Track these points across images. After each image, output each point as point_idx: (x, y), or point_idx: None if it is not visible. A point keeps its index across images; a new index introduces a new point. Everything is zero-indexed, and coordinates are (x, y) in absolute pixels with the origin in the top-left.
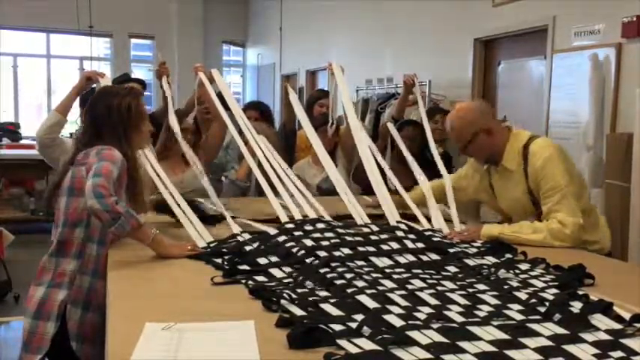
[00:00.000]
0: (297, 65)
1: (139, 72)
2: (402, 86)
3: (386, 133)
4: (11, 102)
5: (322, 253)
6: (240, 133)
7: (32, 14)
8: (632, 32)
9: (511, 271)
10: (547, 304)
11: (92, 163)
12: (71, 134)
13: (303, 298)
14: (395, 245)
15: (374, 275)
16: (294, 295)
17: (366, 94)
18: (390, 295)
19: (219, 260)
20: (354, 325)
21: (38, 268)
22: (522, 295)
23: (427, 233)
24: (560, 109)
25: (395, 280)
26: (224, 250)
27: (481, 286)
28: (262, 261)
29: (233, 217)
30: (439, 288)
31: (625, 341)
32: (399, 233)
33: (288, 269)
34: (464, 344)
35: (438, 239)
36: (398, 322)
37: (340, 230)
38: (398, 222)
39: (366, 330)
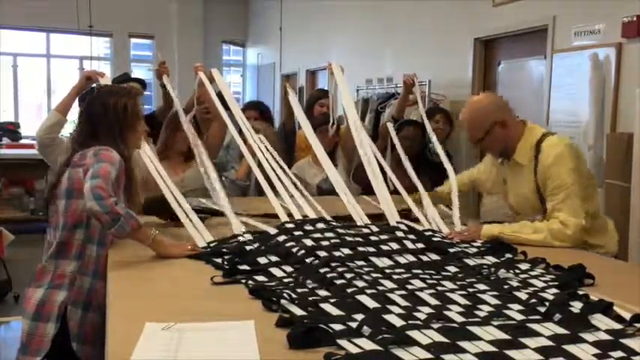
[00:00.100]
0: (297, 65)
1: (139, 72)
2: (402, 86)
3: (386, 133)
4: (11, 102)
5: (322, 253)
6: (240, 132)
7: (32, 14)
8: (632, 32)
9: (511, 271)
10: (547, 304)
11: (90, 164)
12: (71, 134)
13: (303, 298)
14: (395, 245)
15: (374, 275)
16: (294, 295)
17: (366, 94)
18: (390, 295)
19: (219, 260)
20: (354, 324)
21: (37, 270)
22: (522, 295)
23: (427, 233)
24: (560, 108)
25: (395, 281)
26: (224, 249)
27: (481, 286)
28: (262, 260)
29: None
30: (439, 288)
31: (625, 341)
32: (399, 234)
33: (288, 269)
34: (464, 344)
35: (438, 239)
36: (398, 322)
37: (340, 230)
38: (398, 222)
39: (366, 330)
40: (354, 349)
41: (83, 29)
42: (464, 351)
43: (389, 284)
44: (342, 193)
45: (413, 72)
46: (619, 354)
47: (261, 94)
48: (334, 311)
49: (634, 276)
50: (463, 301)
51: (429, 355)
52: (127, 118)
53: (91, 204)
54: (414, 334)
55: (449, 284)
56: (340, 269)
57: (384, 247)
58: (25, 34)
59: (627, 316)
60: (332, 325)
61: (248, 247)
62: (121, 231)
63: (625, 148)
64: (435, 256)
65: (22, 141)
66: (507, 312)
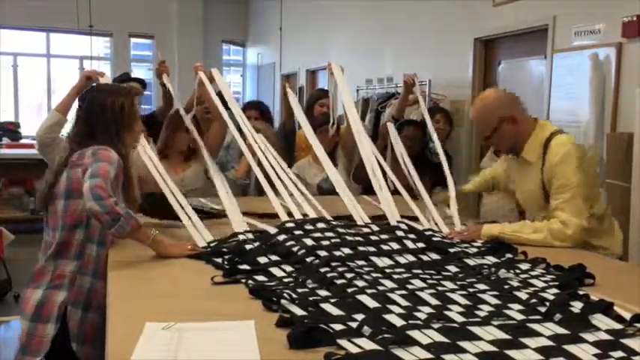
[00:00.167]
0: (297, 65)
1: (139, 71)
2: (402, 86)
3: (386, 133)
4: (11, 101)
5: (322, 253)
6: (240, 132)
7: (32, 14)
8: (632, 32)
9: (511, 271)
10: (547, 304)
11: (88, 164)
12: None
13: (304, 298)
14: (395, 245)
15: (374, 275)
16: (294, 295)
17: (366, 94)
18: (390, 295)
19: (219, 260)
20: (354, 324)
21: (35, 270)
22: (523, 295)
23: (427, 233)
24: (561, 108)
25: (395, 280)
26: (224, 249)
27: (481, 286)
28: (262, 260)
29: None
30: (439, 288)
31: (625, 341)
32: (399, 233)
33: (288, 268)
34: (464, 344)
35: (439, 239)
36: (398, 322)
37: (340, 230)
38: (398, 222)
39: (366, 330)
40: (354, 349)
41: (83, 29)
42: (464, 351)
43: (389, 284)
44: (342, 192)
45: (413, 72)
46: (619, 354)
47: (261, 93)
48: (334, 311)
49: (634, 276)
50: (463, 301)
51: (430, 355)
52: (124, 118)
53: (90, 204)
54: (415, 334)
55: (449, 284)
56: (340, 269)
57: (385, 247)
58: (25, 33)
59: (627, 316)
60: (332, 325)
61: (248, 246)
62: (121, 231)
63: (625, 148)
64: (435, 256)
65: (22, 141)
66: (508, 312)
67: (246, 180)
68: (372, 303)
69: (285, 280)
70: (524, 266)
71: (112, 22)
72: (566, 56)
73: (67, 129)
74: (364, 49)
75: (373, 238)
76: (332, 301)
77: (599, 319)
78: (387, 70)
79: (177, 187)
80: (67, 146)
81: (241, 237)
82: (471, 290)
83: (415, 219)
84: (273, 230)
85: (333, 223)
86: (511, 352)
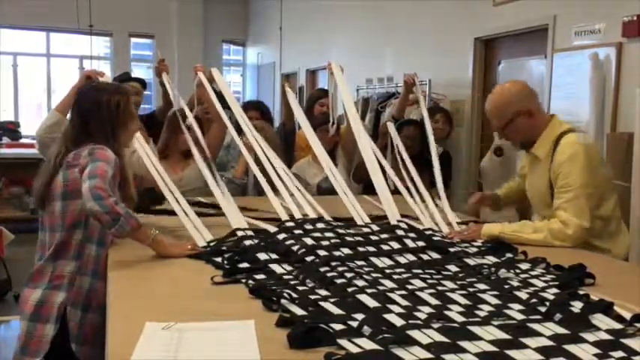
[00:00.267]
0: (298, 64)
1: (139, 71)
2: (403, 85)
3: (386, 133)
4: (11, 101)
5: (322, 253)
6: (240, 132)
7: (32, 13)
8: (632, 32)
9: (511, 271)
10: (548, 303)
11: (84, 163)
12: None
13: (304, 297)
14: (395, 245)
15: (374, 275)
16: (294, 295)
17: (366, 94)
18: (390, 294)
19: (219, 259)
20: (354, 324)
21: (33, 270)
22: (523, 294)
23: (427, 233)
24: (561, 108)
25: (395, 280)
26: (224, 248)
27: (481, 286)
28: (262, 256)
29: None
30: (439, 288)
31: (626, 341)
32: (399, 232)
33: (288, 266)
34: (464, 344)
35: (439, 239)
36: (398, 322)
37: (340, 230)
38: (399, 221)
39: (366, 329)
40: (354, 349)
41: (83, 29)
42: (464, 351)
43: (389, 284)
44: (341, 192)
45: (413, 71)
46: (619, 354)
47: (261, 93)
48: (335, 310)
49: (634, 276)
50: (463, 300)
51: (430, 355)
52: (120, 116)
53: (90, 204)
54: (415, 333)
55: (449, 284)
56: (340, 268)
57: (385, 247)
58: (25, 33)
59: (628, 315)
60: (332, 325)
61: (248, 242)
62: (121, 231)
63: (625, 148)
64: (435, 256)
65: (22, 140)
66: (508, 312)
67: (244, 179)
68: (372, 303)
69: (285, 277)
70: (525, 266)
71: (112, 21)
72: (566, 56)
73: None
74: (364, 49)
75: (373, 238)
76: (332, 300)
77: (600, 319)
78: (387, 69)
79: (176, 186)
80: (61, 144)
81: (240, 233)
82: (471, 290)
83: (415, 218)
84: (272, 229)
85: (333, 223)
86: (511, 352)
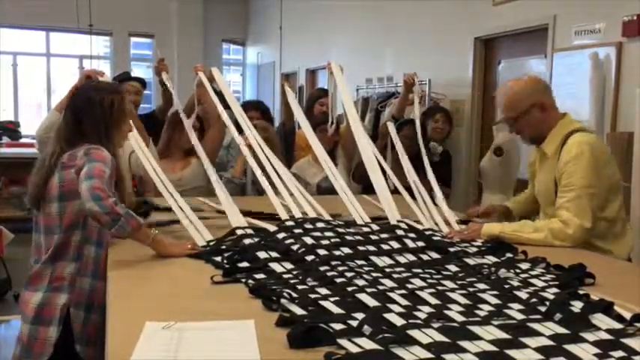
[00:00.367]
0: (297, 64)
1: (139, 70)
2: (402, 85)
3: (386, 132)
4: (11, 100)
5: (322, 252)
6: (240, 132)
7: (32, 13)
8: (632, 31)
9: (511, 271)
10: (548, 303)
11: (81, 164)
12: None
13: (304, 296)
14: (395, 244)
15: (374, 274)
16: (294, 294)
17: (366, 93)
18: (390, 294)
19: (219, 259)
20: (354, 323)
21: (31, 273)
22: (523, 294)
23: (427, 232)
24: (561, 108)
25: (395, 280)
26: (223, 247)
27: (481, 286)
28: (262, 255)
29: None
30: (439, 287)
31: (626, 341)
32: (399, 232)
33: (288, 265)
34: (464, 344)
35: (439, 238)
36: (398, 321)
37: (340, 230)
38: (399, 221)
39: (366, 329)
40: (354, 349)
41: (83, 28)
42: (464, 350)
43: (389, 283)
44: (341, 192)
45: (413, 71)
46: (620, 353)
47: (261, 93)
48: (335, 309)
49: (634, 276)
50: (463, 300)
51: (430, 355)
52: (113, 115)
53: (90, 205)
54: (415, 333)
55: (449, 284)
56: (340, 268)
57: (384, 246)
58: (25, 32)
59: (628, 315)
60: (332, 325)
61: (247, 241)
62: (122, 231)
63: (625, 148)
64: (435, 255)
65: (22, 140)
66: (508, 311)
67: (242, 179)
68: (372, 302)
69: (285, 276)
70: (525, 266)
71: (112, 21)
72: (566, 55)
73: None
74: (364, 49)
75: (373, 237)
76: (332, 299)
77: (600, 319)
78: (387, 69)
79: (175, 186)
80: (55, 144)
81: (240, 232)
82: (471, 290)
83: (416, 221)
84: (272, 228)
85: (333, 222)
86: (511, 352)
